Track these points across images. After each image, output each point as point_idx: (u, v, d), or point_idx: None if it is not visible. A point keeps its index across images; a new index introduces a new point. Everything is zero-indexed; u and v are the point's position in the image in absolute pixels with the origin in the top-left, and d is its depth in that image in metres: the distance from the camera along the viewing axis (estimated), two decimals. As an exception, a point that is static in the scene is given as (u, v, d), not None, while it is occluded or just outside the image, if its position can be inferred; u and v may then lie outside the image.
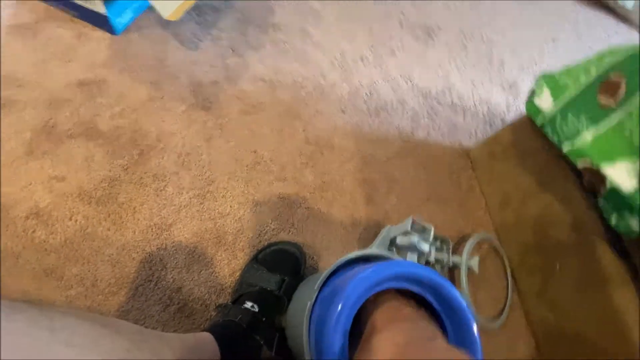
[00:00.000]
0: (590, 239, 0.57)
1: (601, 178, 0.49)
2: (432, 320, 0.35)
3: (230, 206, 0.64)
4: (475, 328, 0.34)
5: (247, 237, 0.63)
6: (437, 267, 0.65)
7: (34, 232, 0.54)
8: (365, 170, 0.76)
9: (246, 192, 0.66)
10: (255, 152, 0.71)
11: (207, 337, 0.41)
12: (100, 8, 0.68)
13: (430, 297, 0.36)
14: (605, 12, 1.40)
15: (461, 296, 0.36)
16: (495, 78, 1.02)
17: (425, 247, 0.44)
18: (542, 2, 1.30)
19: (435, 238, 0.66)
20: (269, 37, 0.86)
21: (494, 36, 1.11)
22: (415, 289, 0.36)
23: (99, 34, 0.73)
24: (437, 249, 0.64)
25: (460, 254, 0.67)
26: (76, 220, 0.56)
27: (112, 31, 0.73)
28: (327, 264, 0.57)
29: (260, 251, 0.61)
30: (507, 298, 0.71)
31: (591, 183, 0.53)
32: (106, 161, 0.62)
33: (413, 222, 0.45)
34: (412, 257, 0.47)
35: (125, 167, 0.62)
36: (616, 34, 1.34)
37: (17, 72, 0.65)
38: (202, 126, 0.70)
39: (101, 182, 0.60)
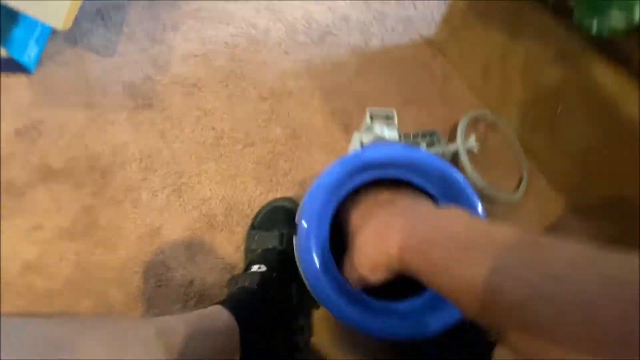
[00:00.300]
0: (580, 61, 0.51)
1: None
2: (418, 194, 0.31)
3: (210, 189, 0.62)
4: (466, 187, 0.31)
5: (238, 211, 0.61)
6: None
7: (33, 284, 0.54)
8: (331, 101, 0.71)
9: (220, 169, 0.64)
10: (213, 128, 0.67)
11: (215, 308, 0.39)
12: (2, 53, 0.64)
13: (412, 177, 0.32)
14: None
15: (442, 159, 0.32)
16: (434, -48, 0.91)
17: (392, 133, 0.40)
18: None
19: (423, 135, 0.62)
20: (182, 12, 0.79)
21: None
22: (390, 173, 0.32)
23: (14, 78, 0.69)
24: (427, 144, 0.60)
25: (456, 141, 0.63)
26: (68, 259, 0.56)
27: (25, 70, 0.69)
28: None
29: (254, 218, 0.59)
30: (521, 166, 0.66)
31: (557, -3, 0.46)
32: (73, 195, 0.60)
33: (371, 113, 0.41)
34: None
35: (93, 193, 0.60)
36: None
37: (-48, 147, 0.63)
38: (150, 125, 0.66)
39: (76, 215, 0.59)
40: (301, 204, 0.38)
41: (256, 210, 0.60)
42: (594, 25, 0.44)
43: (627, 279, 0.15)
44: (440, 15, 0.82)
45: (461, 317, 0.30)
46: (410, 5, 0.83)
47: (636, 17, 0.39)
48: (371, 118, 0.41)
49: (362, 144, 0.41)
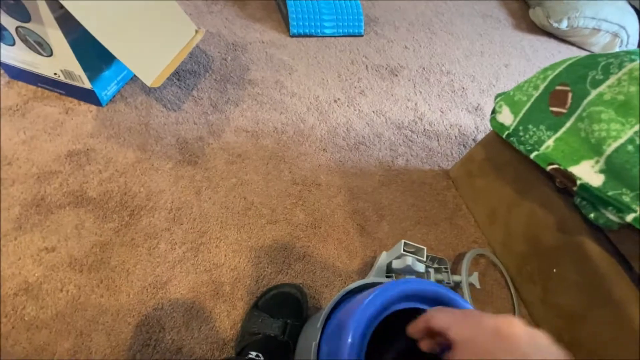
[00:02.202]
0: (577, 238, 0.59)
1: (571, 177, 0.53)
2: None
3: (225, 255, 0.64)
4: None
5: (245, 285, 0.62)
6: (439, 288, 0.64)
7: (23, 308, 0.52)
8: (353, 202, 0.78)
9: (239, 239, 0.67)
10: (244, 198, 0.72)
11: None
12: (87, 84, 0.73)
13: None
14: (547, 36, 1.56)
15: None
16: (460, 103, 1.10)
17: (420, 267, 0.45)
18: (489, 36, 1.46)
19: (432, 259, 0.67)
20: (247, 92, 0.92)
21: (452, 68, 1.22)
22: (425, 307, 0.35)
23: (85, 107, 0.77)
24: (435, 271, 0.65)
25: (459, 273, 0.68)
26: (67, 291, 0.55)
27: (98, 103, 0.77)
28: (329, 301, 0.56)
29: (259, 297, 0.60)
30: (514, 311, 0.70)
31: (563, 183, 0.56)
32: (96, 226, 0.62)
33: (405, 245, 0.46)
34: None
35: (116, 230, 0.62)
36: (559, 53, 1.49)
37: (5, 150, 0.66)
38: (190, 180, 0.72)
39: (92, 248, 0.59)
40: (325, 311, 0.40)
41: (263, 289, 0.62)
42: (592, 216, 0.53)
43: None
44: (459, 154, 0.95)
45: None
46: (435, 139, 0.97)
47: (627, 219, 0.48)
48: (405, 247, 0.46)
49: (391, 268, 0.46)
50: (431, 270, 0.62)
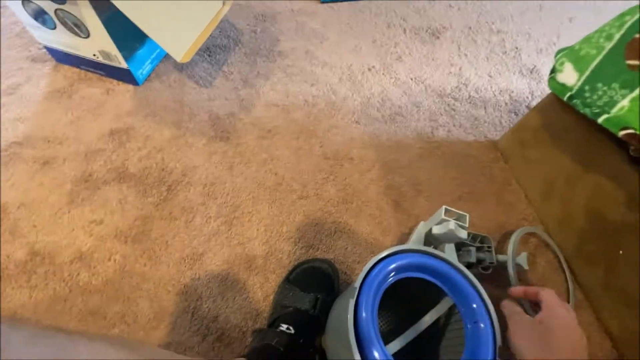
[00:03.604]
0: (654, 214, 0.50)
1: (650, 144, 0.44)
2: None
3: (257, 229, 0.65)
4: (476, 306, 0.38)
5: (277, 259, 0.62)
6: (481, 267, 0.60)
7: (78, 275, 0.57)
8: (388, 176, 0.74)
9: (271, 213, 0.67)
10: (276, 173, 0.71)
11: (242, 361, 0.39)
12: (123, 64, 0.75)
13: (439, 283, 0.41)
14: (622, -19, 1.32)
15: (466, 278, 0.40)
16: (513, 66, 0.98)
17: (463, 233, 0.41)
18: (550, -16, 1.26)
19: (474, 237, 0.62)
20: (277, 65, 0.89)
21: (504, 26, 1.08)
22: (428, 277, 0.40)
23: (123, 87, 0.79)
24: (477, 249, 0.60)
25: (506, 253, 0.62)
26: (115, 260, 0.59)
27: (135, 82, 0.79)
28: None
29: (291, 271, 0.60)
30: (569, 295, 0.63)
31: (639, 151, 0.47)
32: (138, 201, 0.65)
33: (446, 211, 0.43)
34: (450, 247, 0.44)
35: (155, 204, 0.65)
36: (637, 2, 1.26)
37: (56, 131, 0.71)
38: (222, 156, 0.72)
39: (135, 220, 0.63)
40: (361, 274, 0.39)
41: (294, 263, 0.62)
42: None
43: None
44: (510, 123, 0.85)
45: None
46: (481, 107, 0.88)
47: None
48: (446, 213, 0.43)
49: (431, 235, 0.43)
50: (472, 249, 0.57)
